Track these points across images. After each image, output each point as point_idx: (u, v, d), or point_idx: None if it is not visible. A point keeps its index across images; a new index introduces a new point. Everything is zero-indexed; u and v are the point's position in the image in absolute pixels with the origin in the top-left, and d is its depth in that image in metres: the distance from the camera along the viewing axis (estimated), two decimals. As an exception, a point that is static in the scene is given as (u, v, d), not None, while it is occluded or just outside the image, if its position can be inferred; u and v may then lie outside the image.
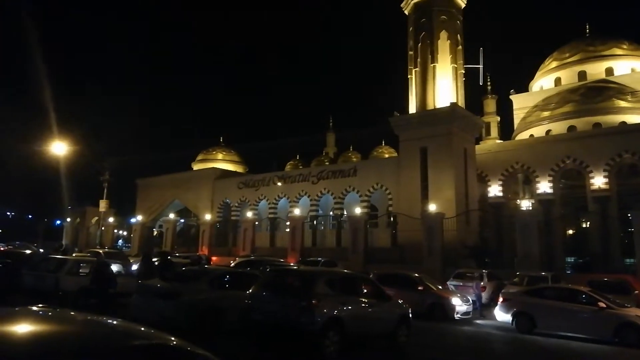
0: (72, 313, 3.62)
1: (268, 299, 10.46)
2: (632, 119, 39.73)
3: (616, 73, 45.62)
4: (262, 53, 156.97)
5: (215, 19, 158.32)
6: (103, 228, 52.44)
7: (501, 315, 15.74)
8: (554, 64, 50.32)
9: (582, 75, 47.19)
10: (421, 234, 29.71)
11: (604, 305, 13.90)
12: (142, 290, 12.64)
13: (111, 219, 54.48)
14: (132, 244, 52.90)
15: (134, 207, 57.71)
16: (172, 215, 51.40)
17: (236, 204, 49.73)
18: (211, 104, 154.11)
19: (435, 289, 17.95)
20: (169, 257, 17.77)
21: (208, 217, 47.71)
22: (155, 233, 56.15)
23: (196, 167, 59.65)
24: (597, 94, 42.27)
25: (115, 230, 58.71)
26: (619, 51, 47.29)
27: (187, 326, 10.64)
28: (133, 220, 54.93)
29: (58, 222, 68.94)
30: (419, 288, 17.55)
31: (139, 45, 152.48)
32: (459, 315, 16.85)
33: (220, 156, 60.34)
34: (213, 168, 54.71)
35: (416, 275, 19.13)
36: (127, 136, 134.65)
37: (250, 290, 10.96)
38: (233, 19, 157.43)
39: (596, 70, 46.67)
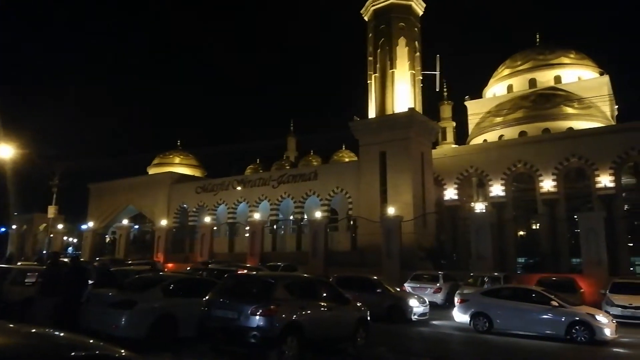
0: (13, 325, 3.47)
1: (225, 306, 10.21)
2: (578, 125, 41.83)
3: (564, 81, 47.93)
4: (222, 56, 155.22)
5: (172, 20, 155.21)
6: (52, 235, 50.06)
7: (459, 316, 16.01)
8: (507, 71, 52.34)
9: (532, 82, 49.29)
10: (380, 237, 30.06)
11: (556, 304, 14.32)
12: (94, 299, 12.07)
13: (60, 226, 52.10)
14: (82, 252, 50.75)
15: (86, 213, 55.49)
16: (125, 221, 49.72)
17: (194, 209, 48.72)
18: (169, 106, 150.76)
19: (393, 291, 18.20)
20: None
21: (164, 222, 46.45)
22: (107, 240, 54.14)
23: (152, 171, 58.09)
24: (546, 101, 44.26)
25: (65, 238, 56.16)
26: (566, 60, 49.73)
27: (143, 336, 10.25)
28: (84, 226, 52.78)
29: (3, 229, 65.27)
30: (378, 290, 17.76)
31: (92, 44, 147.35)
32: (416, 317, 17.12)
33: (177, 160, 59.04)
34: (170, 172, 53.44)
35: (375, 278, 19.34)
36: (79, 139, 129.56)
37: (207, 297, 10.68)
38: (192, 20, 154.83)
39: (545, 78, 48.88)
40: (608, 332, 13.72)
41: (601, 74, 47.91)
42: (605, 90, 45.74)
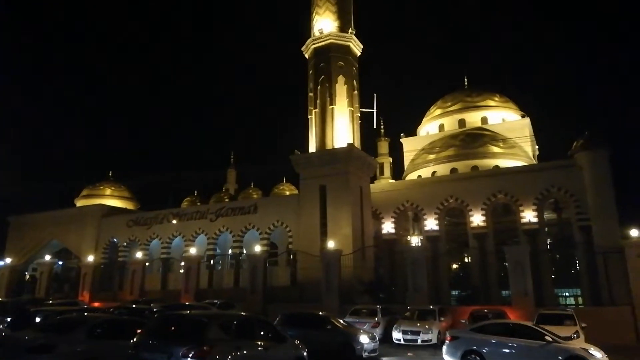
0: None
1: (155, 348, 9.60)
2: (504, 163, 44.66)
3: (490, 122, 51.30)
4: (162, 85, 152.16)
5: (111, 47, 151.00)
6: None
7: (450, 355, 15.25)
8: (438, 111, 55.30)
9: (462, 122, 52.33)
10: (320, 271, 29.90)
11: (550, 339, 14.06)
12: (10, 343, 10.96)
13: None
14: (-3, 290, 46.36)
15: (3, 248, 51.02)
16: (48, 257, 46.20)
17: (124, 244, 46.29)
18: (101, 135, 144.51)
19: (342, 327, 17.78)
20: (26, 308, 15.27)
21: (91, 258, 43.63)
22: (27, 277, 49.94)
23: (80, 203, 54.81)
24: (474, 140, 47.05)
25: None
26: (492, 102, 53.43)
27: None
28: (0, 263, 48.40)
29: None
30: (328, 327, 17.26)
31: (15, 68, 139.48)
32: (366, 354, 16.73)
33: (108, 192, 56.20)
34: (100, 204, 50.70)
35: (324, 314, 18.93)
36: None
37: (135, 339, 10.01)
38: (128, 48, 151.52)
39: (473, 118, 52.12)
40: None
41: (523, 116, 51.83)
42: (527, 131, 49.44)
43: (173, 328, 10.44)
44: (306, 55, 40.75)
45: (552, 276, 36.01)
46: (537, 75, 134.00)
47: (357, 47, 40.12)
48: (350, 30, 39.80)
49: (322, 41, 39.19)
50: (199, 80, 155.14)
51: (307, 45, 40.25)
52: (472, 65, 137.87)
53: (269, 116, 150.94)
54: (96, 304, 33.26)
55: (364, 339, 16.92)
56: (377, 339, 18.09)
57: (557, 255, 39.24)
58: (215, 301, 28.07)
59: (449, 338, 15.87)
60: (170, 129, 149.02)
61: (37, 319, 16.60)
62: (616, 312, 23.02)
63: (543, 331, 14.55)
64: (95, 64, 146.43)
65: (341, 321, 18.49)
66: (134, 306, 23.11)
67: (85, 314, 16.31)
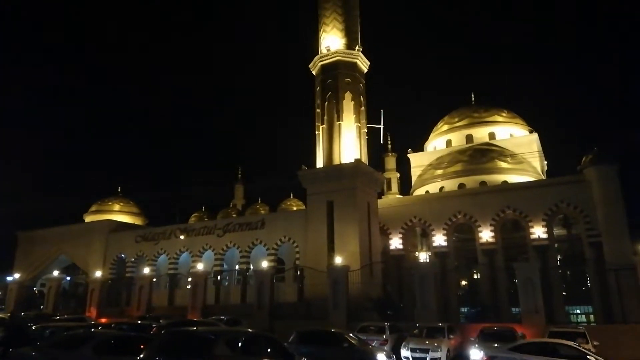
0: None
1: (161, 365, 9.56)
2: (512, 178, 44.39)
3: (497, 137, 51.16)
4: (170, 102, 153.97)
5: (122, 66, 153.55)
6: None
7: None
8: (445, 127, 55.29)
9: (469, 138, 52.24)
10: (327, 287, 29.70)
11: (593, 359, 13.55)
12: (17, 359, 10.95)
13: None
14: (6, 306, 46.47)
15: (12, 263, 51.29)
16: (56, 273, 46.34)
17: (132, 260, 46.37)
18: (109, 151, 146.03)
19: (358, 344, 17.46)
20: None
21: (99, 274, 43.71)
22: (35, 292, 50.07)
23: (89, 219, 55.12)
24: (482, 156, 46.88)
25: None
26: (499, 118, 53.36)
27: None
28: (9, 278, 48.62)
29: None
30: (344, 345, 16.89)
31: (30, 83, 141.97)
32: None
33: (117, 207, 56.49)
34: (108, 220, 50.94)
35: (340, 331, 18.65)
36: (8, 184, 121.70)
37: (142, 355, 9.97)
38: (144, 70, 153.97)
39: (481, 134, 52.02)
40: None
41: (531, 131, 51.66)
42: (535, 146, 49.23)
43: (180, 344, 10.40)
44: (313, 72, 41.12)
45: (563, 293, 35.49)
46: (545, 91, 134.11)
47: (364, 64, 40.45)
48: (357, 47, 40.19)
49: (330, 58, 39.58)
50: (208, 96, 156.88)
51: (314, 62, 40.65)
52: (479, 81, 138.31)
53: (276, 132, 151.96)
54: (103, 320, 33.20)
55: (381, 357, 16.55)
56: (394, 357, 17.76)
57: (568, 272, 38.73)
58: (222, 317, 27.94)
59: (486, 358, 15.51)
60: (179, 145, 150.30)
61: (38, 335, 16.55)
62: (629, 330, 22.59)
63: (584, 350, 14.00)
64: (108, 82, 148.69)
65: (357, 339, 18.21)
66: (139, 322, 23.06)
67: (92, 330, 16.30)
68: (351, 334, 18.53)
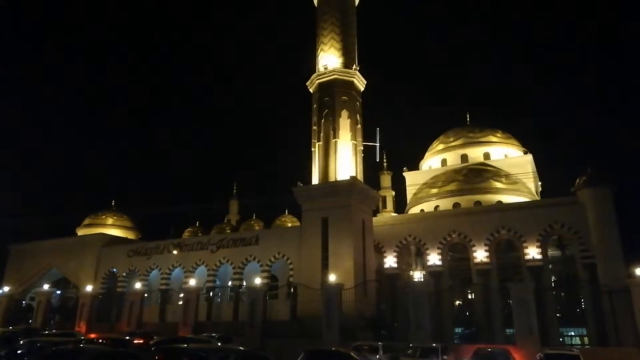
0: None
1: (151, 383, 9.39)
2: (506, 199, 44.55)
3: (492, 158, 51.49)
4: (168, 118, 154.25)
5: (119, 76, 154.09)
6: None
7: None
8: (441, 146, 55.65)
9: (464, 157, 52.56)
10: (320, 305, 29.43)
11: None
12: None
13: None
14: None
15: (2, 276, 50.61)
16: (46, 286, 45.72)
17: (124, 274, 45.88)
18: (104, 164, 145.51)
19: None
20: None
21: (90, 288, 43.15)
22: (24, 306, 49.26)
23: (82, 232, 54.68)
24: (477, 175, 47.10)
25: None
26: (494, 139, 53.78)
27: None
28: (-1, 291, 47.91)
29: None
30: None
31: (16, 95, 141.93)
32: None
33: (110, 221, 56.11)
34: (100, 234, 50.55)
35: (347, 351, 18.58)
36: (0, 196, 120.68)
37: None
38: (142, 82, 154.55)
39: (476, 154, 52.37)
40: None
41: (525, 152, 52.04)
42: (530, 167, 49.55)
43: (170, 362, 10.26)
44: (311, 90, 41.46)
45: (557, 315, 35.35)
46: (540, 112, 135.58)
47: (360, 83, 40.85)
48: (354, 66, 40.64)
49: (327, 77, 39.97)
50: (203, 111, 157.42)
51: (312, 80, 41.02)
52: (474, 102, 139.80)
53: (271, 147, 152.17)
54: (93, 335, 32.68)
55: None
56: None
57: (562, 293, 38.64)
58: (213, 334, 27.59)
59: None
60: (175, 159, 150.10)
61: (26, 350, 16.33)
62: (623, 353, 22.50)
63: None
64: (102, 97, 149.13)
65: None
66: (116, 337, 22.94)
67: (82, 345, 16.02)
68: (352, 353, 18.44)
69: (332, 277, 31.90)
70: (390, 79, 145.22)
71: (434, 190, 48.68)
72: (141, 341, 24.41)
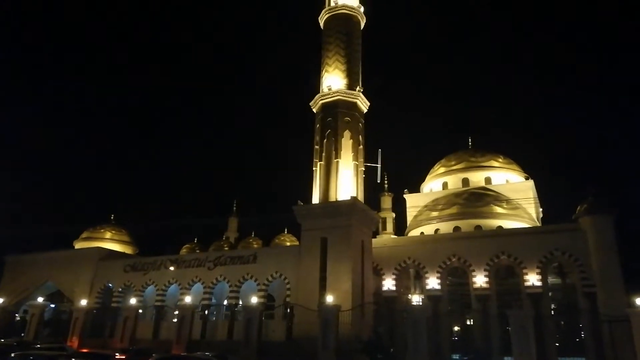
0: None
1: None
2: (507, 224, 44.36)
3: (494, 182, 51.48)
4: (169, 135, 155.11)
5: (120, 87, 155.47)
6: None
7: None
8: (442, 169, 55.72)
9: (465, 181, 52.56)
10: (317, 326, 29.05)
11: None
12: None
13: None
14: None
15: (-3, 288, 50.17)
16: (40, 299, 45.23)
17: (119, 289, 45.42)
18: (104, 179, 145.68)
19: None
20: None
21: (84, 302, 42.69)
22: (17, 319, 48.72)
23: (79, 245, 54.41)
24: (478, 200, 47.00)
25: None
26: (495, 163, 53.87)
27: None
28: (-8, 302, 47.42)
29: None
30: None
31: (26, 106, 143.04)
32: None
33: (108, 235, 55.89)
34: (98, 247, 50.25)
35: None
36: None
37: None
38: (142, 98, 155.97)
39: (477, 178, 52.38)
40: None
41: (527, 178, 52.04)
42: (531, 193, 49.48)
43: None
44: (314, 110, 41.74)
45: (557, 343, 34.79)
46: (542, 137, 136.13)
47: (363, 104, 41.15)
48: (357, 88, 41.00)
49: (330, 97, 40.28)
50: (204, 128, 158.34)
51: (315, 100, 41.34)
52: (477, 125, 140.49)
53: (272, 166, 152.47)
54: (84, 350, 32.19)
55: None
56: None
57: (562, 322, 38.11)
58: (207, 354, 27.17)
59: None
60: (175, 176, 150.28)
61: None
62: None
63: None
64: (105, 111, 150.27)
65: None
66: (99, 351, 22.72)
67: (72, 359, 15.76)
68: None
69: (329, 298, 31.54)
70: (394, 101, 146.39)
71: (435, 213, 48.51)
72: (123, 357, 24.07)
